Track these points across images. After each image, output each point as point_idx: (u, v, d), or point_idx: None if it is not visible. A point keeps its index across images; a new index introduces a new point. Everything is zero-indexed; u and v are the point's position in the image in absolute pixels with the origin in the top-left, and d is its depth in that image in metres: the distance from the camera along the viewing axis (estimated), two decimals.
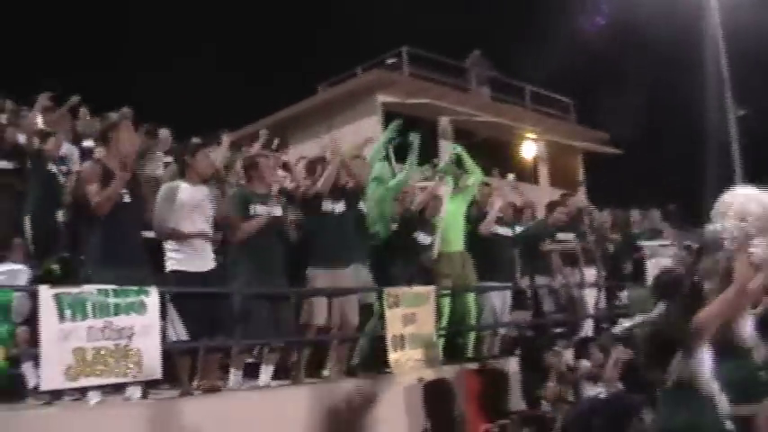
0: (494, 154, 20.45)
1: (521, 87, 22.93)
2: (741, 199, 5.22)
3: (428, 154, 17.37)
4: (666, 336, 4.47)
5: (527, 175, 22.01)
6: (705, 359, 4.37)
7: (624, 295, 11.26)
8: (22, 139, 8.68)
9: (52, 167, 8.39)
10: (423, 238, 8.65)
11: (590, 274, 11.13)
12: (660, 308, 4.60)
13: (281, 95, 20.96)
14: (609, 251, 11.79)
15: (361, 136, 11.07)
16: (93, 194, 5.79)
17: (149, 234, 6.55)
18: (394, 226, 8.61)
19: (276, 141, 11.88)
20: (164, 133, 10.70)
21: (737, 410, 5.23)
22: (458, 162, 9.93)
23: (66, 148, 9.03)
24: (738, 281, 4.70)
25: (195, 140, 7.82)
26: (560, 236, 10.52)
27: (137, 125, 10.02)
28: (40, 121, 9.06)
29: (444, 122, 19.65)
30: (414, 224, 8.59)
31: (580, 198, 12.72)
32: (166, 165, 8.66)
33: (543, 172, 22.95)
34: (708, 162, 23.85)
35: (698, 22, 22.90)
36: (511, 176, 14.73)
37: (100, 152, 6.60)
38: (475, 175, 9.55)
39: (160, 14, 27.98)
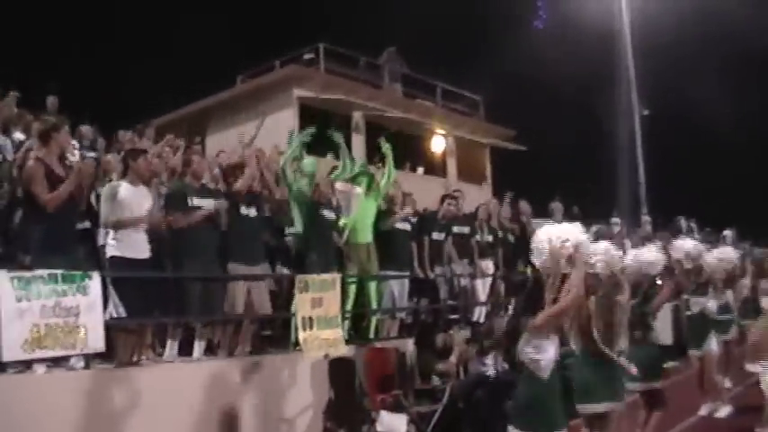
0: (405, 147, 21.27)
1: (432, 84, 23.72)
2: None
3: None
4: (513, 327, 5.52)
5: (436, 168, 22.99)
6: (546, 349, 5.39)
7: None
8: None
9: None
10: (328, 213, 9.54)
11: (486, 265, 12.25)
12: (513, 303, 5.65)
13: (201, 85, 21.32)
14: (510, 242, 12.84)
15: (277, 128, 11.84)
16: (41, 192, 6.56)
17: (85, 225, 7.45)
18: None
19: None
20: (85, 129, 11.40)
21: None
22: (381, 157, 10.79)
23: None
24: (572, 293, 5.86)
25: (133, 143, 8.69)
26: (455, 229, 11.58)
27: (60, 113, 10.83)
28: None
29: (357, 117, 20.37)
30: (318, 204, 9.42)
31: (485, 193, 13.72)
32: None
33: (452, 165, 23.82)
34: (612, 160, 25.34)
35: (608, 26, 24.31)
36: (420, 170, 15.78)
37: (40, 150, 7.19)
38: (389, 176, 10.35)
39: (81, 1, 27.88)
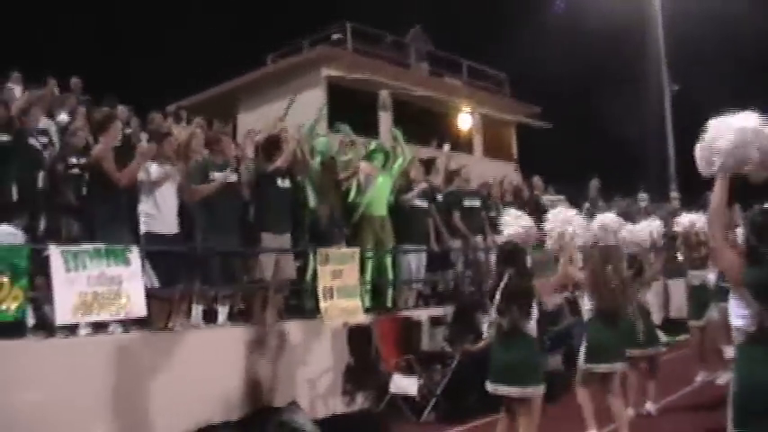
0: (431, 125, 21.77)
1: (458, 62, 24.03)
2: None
3: (369, 125, 18.82)
4: (511, 292, 6.13)
5: (462, 145, 23.29)
6: (534, 313, 6.09)
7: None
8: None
9: (32, 140, 9.30)
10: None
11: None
12: (510, 271, 6.24)
13: (232, 65, 21.83)
14: None
15: (306, 107, 12.41)
16: (113, 171, 7.56)
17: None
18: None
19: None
20: (120, 109, 12.15)
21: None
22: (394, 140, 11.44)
23: (44, 123, 10.18)
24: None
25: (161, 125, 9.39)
26: (467, 202, 12.16)
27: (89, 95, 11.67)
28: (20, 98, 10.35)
29: (384, 96, 20.82)
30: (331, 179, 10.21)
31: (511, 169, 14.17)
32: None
33: (478, 142, 24.18)
34: (642, 136, 25.44)
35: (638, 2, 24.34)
36: (447, 146, 16.23)
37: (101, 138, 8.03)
38: (403, 157, 10.98)
39: None
